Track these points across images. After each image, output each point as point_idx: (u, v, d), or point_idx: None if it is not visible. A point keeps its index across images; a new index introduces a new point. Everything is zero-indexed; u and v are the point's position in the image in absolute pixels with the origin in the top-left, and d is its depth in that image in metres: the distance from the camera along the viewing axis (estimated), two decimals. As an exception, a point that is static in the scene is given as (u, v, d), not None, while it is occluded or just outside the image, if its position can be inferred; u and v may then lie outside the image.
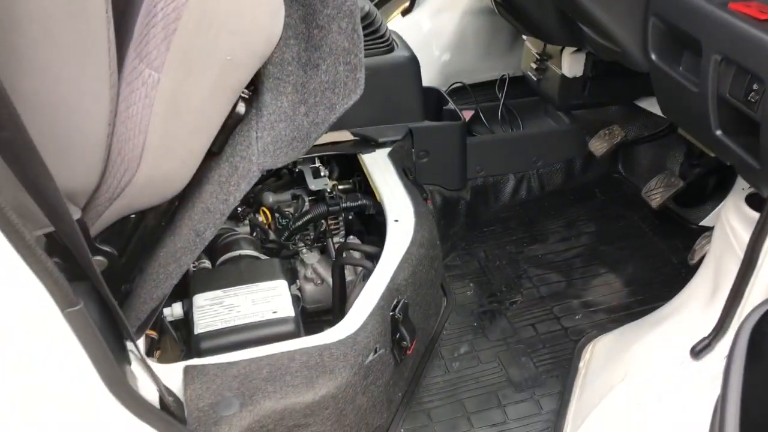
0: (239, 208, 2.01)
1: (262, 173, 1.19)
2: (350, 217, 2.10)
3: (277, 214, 2.09)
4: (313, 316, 2.02)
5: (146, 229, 1.26)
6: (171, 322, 1.67)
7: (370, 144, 2.15)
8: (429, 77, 2.94)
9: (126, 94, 1.08)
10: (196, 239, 1.21)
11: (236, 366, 1.40)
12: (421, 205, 1.92)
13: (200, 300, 1.63)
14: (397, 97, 2.18)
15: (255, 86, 1.20)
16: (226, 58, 1.05)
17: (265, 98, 1.17)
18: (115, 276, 1.30)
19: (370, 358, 1.50)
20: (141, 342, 1.46)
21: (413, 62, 2.18)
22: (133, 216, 1.24)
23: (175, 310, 1.66)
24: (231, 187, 1.17)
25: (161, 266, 1.26)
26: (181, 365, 1.40)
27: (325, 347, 1.45)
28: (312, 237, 2.04)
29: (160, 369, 1.40)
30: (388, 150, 2.13)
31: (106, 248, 1.25)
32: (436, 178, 2.32)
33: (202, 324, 1.57)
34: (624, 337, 1.88)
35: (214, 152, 1.22)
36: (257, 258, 1.82)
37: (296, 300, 1.82)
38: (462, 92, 2.74)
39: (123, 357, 1.21)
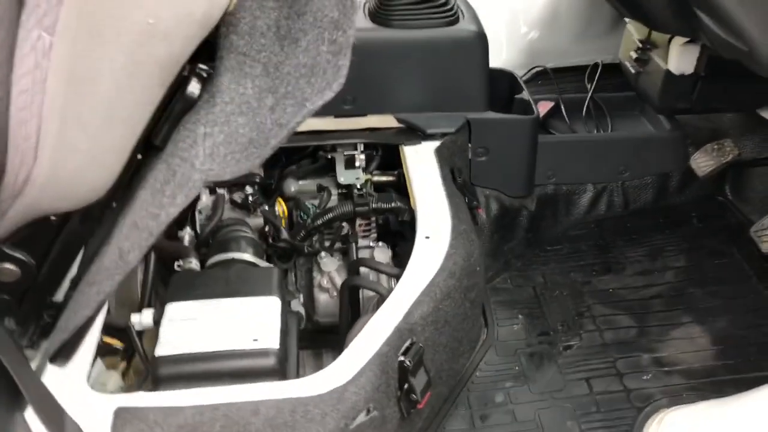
0: (250, 197, 1.70)
1: (206, 185, 0.86)
2: (380, 222, 1.76)
3: (297, 209, 1.78)
4: (326, 332, 1.70)
5: (73, 236, 0.97)
6: (139, 332, 1.40)
7: (416, 134, 1.79)
8: (511, 56, 2.55)
9: (17, 63, 0.77)
10: (119, 261, 0.91)
11: (183, 413, 1.11)
12: (462, 220, 1.56)
13: (173, 310, 1.34)
14: (455, 79, 1.80)
15: (214, 62, 0.87)
16: (147, 22, 0.72)
17: (223, 81, 0.84)
18: (34, 288, 1.02)
19: (359, 420, 1.17)
20: (88, 360, 1.19)
21: (479, 39, 1.78)
22: (53, 218, 0.95)
23: (144, 319, 1.38)
24: (165, 199, 0.85)
25: (86, 285, 0.97)
26: (117, 400, 1.12)
27: (300, 402, 1.14)
28: (327, 240, 1.71)
29: (91, 402, 1.12)
30: (436, 144, 1.76)
31: (18, 254, 0.97)
32: (496, 181, 1.93)
33: (166, 343, 1.28)
34: (704, 415, 1.47)
35: (158, 146, 0.91)
36: (254, 265, 1.51)
37: (298, 319, 1.51)
38: (544, 78, 2.32)
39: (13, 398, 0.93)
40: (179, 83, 0.86)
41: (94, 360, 1.35)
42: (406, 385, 1.31)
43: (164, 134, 0.88)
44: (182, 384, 1.23)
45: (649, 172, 2.08)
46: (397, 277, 1.44)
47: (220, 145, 0.83)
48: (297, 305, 1.54)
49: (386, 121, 1.82)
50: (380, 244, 1.75)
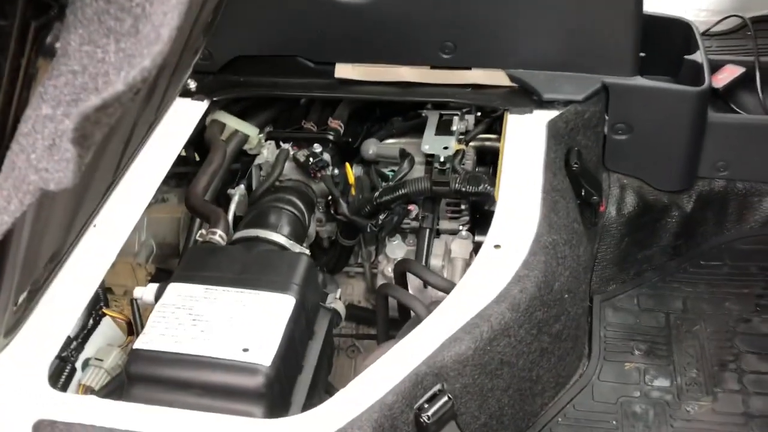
0: (311, 159, 1.41)
1: (44, 191, 0.58)
2: (463, 208, 1.40)
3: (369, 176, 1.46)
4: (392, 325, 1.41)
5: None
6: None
7: (529, 99, 1.38)
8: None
9: None
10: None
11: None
12: (555, 226, 1.16)
13: (172, 292, 1.13)
14: (592, 30, 1.36)
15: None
16: None
17: (72, 39, 0.54)
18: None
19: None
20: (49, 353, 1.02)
21: (630, -25, 1.30)
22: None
23: (146, 294, 1.19)
24: (1, 201, 0.60)
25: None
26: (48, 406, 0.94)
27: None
28: (395, 221, 1.38)
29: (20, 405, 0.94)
30: (552, 115, 1.34)
31: None
32: (639, 167, 1.48)
33: (150, 333, 1.07)
34: None
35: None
36: (282, 248, 1.24)
37: (332, 318, 1.23)
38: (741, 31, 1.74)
39: None
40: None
41: (78, 343, 1.20)
42: (425, 443, 0.99)
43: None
44: (153, 387, 1.04)
45: None
46: (448, 292, 1.10)
47: (63, 135, 0.55)
48: (334, 300, 1.26)
49: (495, 77, 1.42)
50: (464, 233, 1.40)
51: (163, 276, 1.61)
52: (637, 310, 1.46)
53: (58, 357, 1.15)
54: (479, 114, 1.50)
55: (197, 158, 1.58)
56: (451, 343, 0.99)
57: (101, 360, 1.22)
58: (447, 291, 1.10)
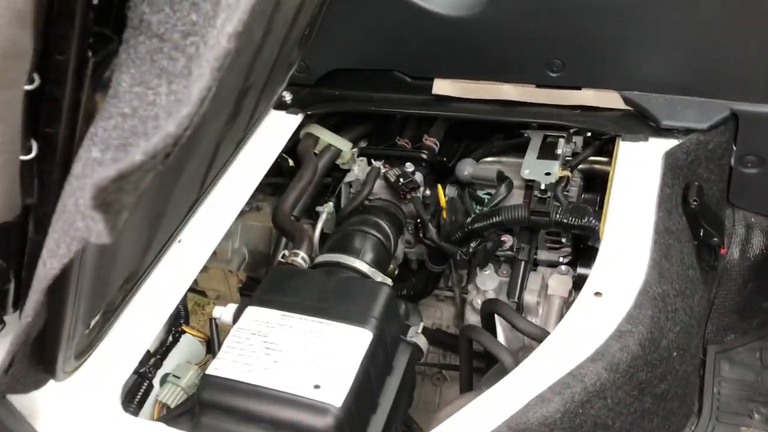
0: (401, 179, 1.34)
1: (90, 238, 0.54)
2: (564, 241, 1.28)
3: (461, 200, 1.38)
4: (478, 358, 1.33)
5: (33, 244, 0.76)
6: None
7: (645, 125, 1.25)
8: None
9: None
10: (23, 315, 0.65)
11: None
12: (666, 275, 1.03)
13: (249, 316, 1.10)
14: (721, 49, 1.20)
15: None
16: None
17: (123, 79, 0.50)
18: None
19: None
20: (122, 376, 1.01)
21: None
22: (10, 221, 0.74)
23: (224, 314, 1.16)
24: (51, 242, 0.56)
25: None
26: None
27: None
28: (486, 250, 1.29)
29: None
30: (670, 144, 1.20)
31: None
32: (769, 205, 1.31)
33: (223, 359, 1.04)
34: None
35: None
36: (364, 276, 1.18)
37: (412, 353, 1.16)
38: None
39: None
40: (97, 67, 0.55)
41: (156, 359, 1.20)
42: None
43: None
44: (222, 416, 1.00)
45: None
46: (540, 341, 1.00)
47: (84, 203, 0.51)
48: (416, 334, 1.18)
49: (607, 99, 1.29)
50: (563, 267, 1.29)
51: (253, 285, 1.60)
52: (758, 367, 1.30)
53: (136, 372, 1.15)
54: (589, 134, 1.38)
55: (292, 164, 1.54)
56: (537, 403, 0.89)
57: (178, 377, 1.21)
58: (539, 339, 1.00)
